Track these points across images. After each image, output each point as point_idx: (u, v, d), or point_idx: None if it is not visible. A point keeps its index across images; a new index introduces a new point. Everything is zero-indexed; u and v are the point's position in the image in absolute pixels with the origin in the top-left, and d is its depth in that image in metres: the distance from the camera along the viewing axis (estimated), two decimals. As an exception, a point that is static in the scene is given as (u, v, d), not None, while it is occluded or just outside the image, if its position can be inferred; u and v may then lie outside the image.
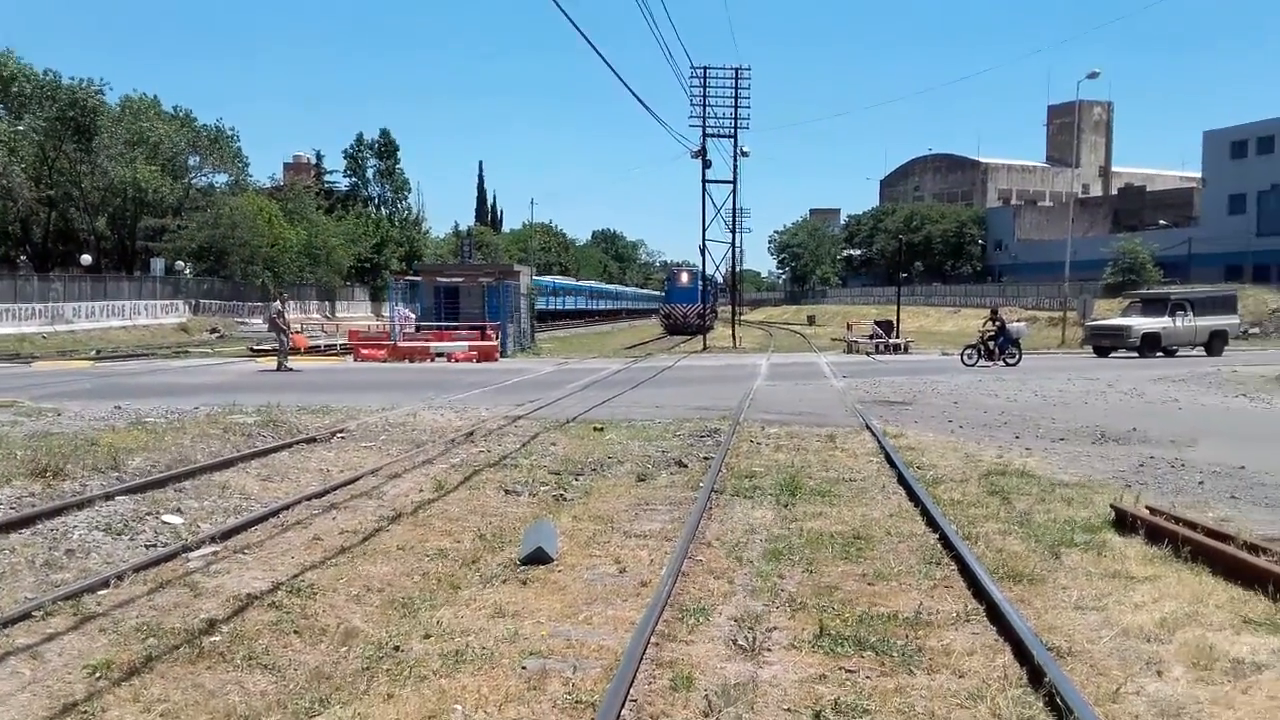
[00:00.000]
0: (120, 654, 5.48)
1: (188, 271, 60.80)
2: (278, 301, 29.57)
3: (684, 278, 67.61)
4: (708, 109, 46.50)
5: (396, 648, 5.70)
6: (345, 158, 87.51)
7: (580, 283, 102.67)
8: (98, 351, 37.18)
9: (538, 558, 7.46)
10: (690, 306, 61.76)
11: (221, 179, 68.22)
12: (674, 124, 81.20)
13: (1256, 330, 47.59)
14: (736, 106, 47.20)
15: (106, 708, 4.84)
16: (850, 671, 5.32)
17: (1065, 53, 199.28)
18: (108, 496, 9.16)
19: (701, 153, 46.05)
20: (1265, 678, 5.16)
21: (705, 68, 46.31)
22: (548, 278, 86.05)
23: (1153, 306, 34.22)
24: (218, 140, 64.91)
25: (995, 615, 6.02)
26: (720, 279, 69.56)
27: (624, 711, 4.73)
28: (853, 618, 6.13)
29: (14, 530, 7.96)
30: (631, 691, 4.95)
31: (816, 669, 5.35)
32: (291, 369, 26.94)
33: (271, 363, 27.98)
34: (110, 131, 54.68)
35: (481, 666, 5.39)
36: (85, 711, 4.79)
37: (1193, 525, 7.74)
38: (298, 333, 37.99)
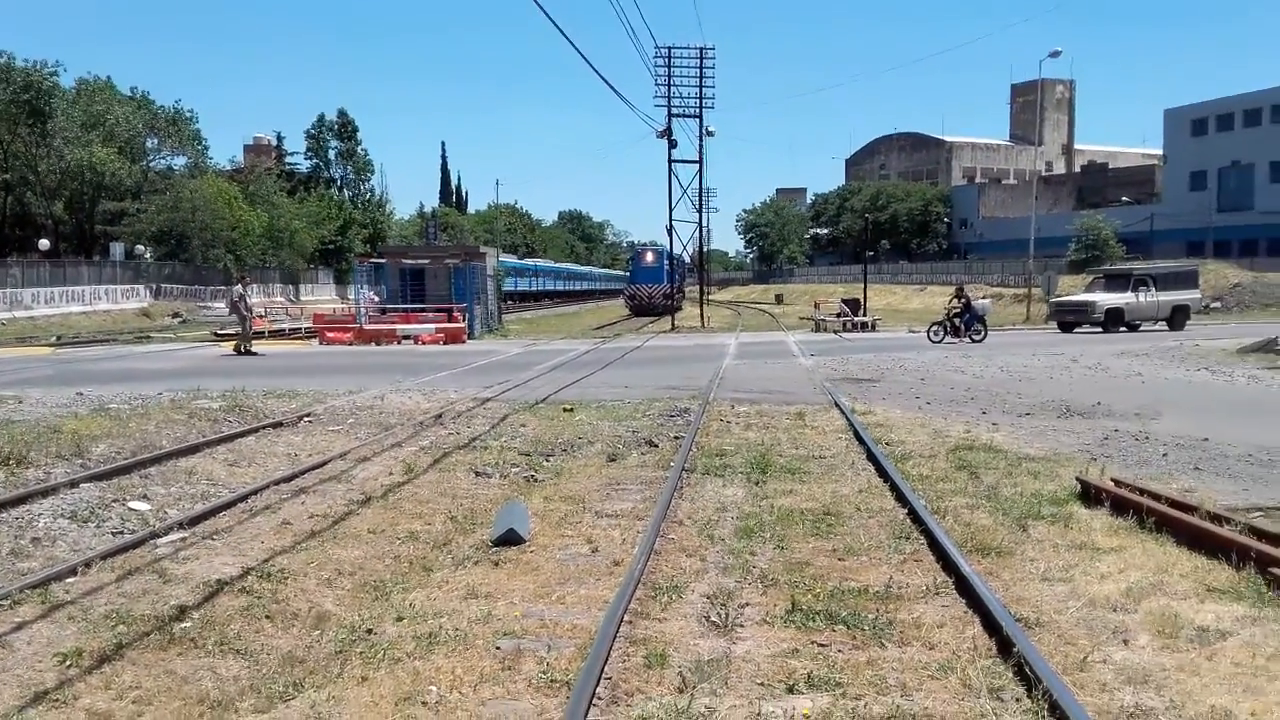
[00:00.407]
0: (90, 641, 5.43)
1: (148, 255, 59.96)
2: (239, 285, 29.24)
3: (649, 257, 64.95)
4: (673, 89, 46.32)
5: (369, 631, 5.69)
6: (306, 138, 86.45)
7: (559, 265, 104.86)
8: (58, 337, 36.63)
9: (510, 539, 7.45)
10: (656, 287, 60.11)
11: (180, 161, 67.36)
12: (640, 104, 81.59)
13: (1218, 305, 48.23)
14: (701, 86, 47.02)
15: (78, 695, 4.80)
16: (822, 645, 5.36)
17: (1028, 31, 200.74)
18: (73, 484, 9.06)
19: (667, 133, 45.91)
20: (1229, 644, 5.25)
21: (670, 48, 46.09)
22: (531, 260, 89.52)
23: (1116, 282, 34.58)
24: (175, 122, 63.99)
25: (964, 588, 6.09)
26: (688, 259, 69.26)
27: (599, 689, 4.74)
28: (824, 593, 6.18)
29: (-23, 519, 7.85)
30: (606, 669, 4.96)
31: (789, 644, 5.39)
32: (254, 353, 26.69)
33: (256, 346, 27.72)
34: (66, 114, 53.77)
35: (455, 648, 5.39)
36: (57, 699, 4.75)
37: (1157, 496, 7.86)
38: (261, 316, 37.64)
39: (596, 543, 7.49)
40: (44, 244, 54.17)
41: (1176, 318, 33.83)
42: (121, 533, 7.81)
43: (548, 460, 10.93)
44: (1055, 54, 49.05)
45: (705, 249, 69.76)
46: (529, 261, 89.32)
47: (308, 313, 46.42)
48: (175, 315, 52.08)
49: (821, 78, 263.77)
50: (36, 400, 15.03)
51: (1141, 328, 33.52)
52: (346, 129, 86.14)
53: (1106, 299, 33.32)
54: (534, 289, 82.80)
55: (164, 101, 64.27)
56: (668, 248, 57.47)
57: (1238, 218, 64.77)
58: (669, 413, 14.32)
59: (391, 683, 4.93)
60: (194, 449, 11.12)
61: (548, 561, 7.04)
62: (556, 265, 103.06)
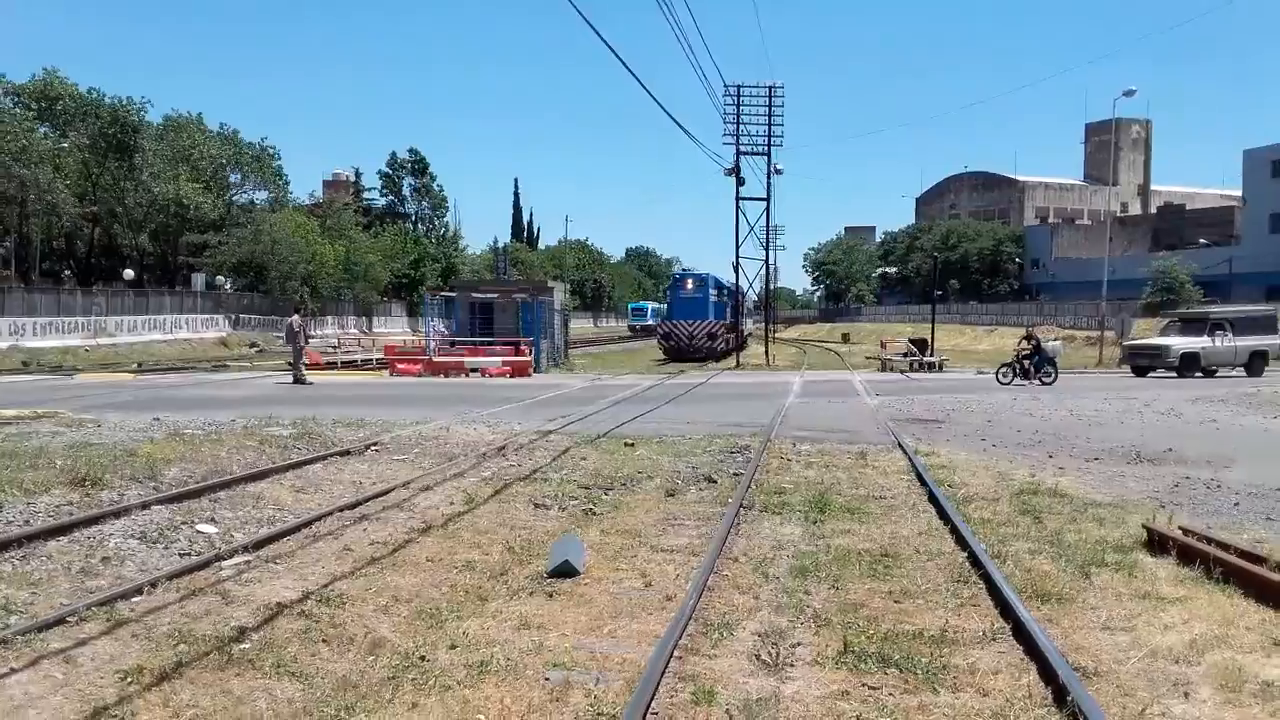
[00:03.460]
0: (151, 659, 5.57)
1: (228, 286, 61.66)
2: (296, 315, 29.84)
3: (689, 285, 52.06)
4: (741, 126, 46.57)
5: (423, 658, 5.76)
6: (380, 176, 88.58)
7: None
8: (139, 364, 37.75)
9: (565, 571, 7.50)
10: (698, 323, 49.69)
11: (262, 195, 69.26)
12: (708, 142, 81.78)
13: (1299, 351, 46.76)
14: (770, 124, 47.24)
15: (136, 712, 4.92)
16: (873, 689, 5.30)
17: (1102, 70, 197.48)
18: (144, 506, 9.31)
19: (735, 170, 46.10)
20: (1295, 700, 5.09)
21: (739, 86, 46.41)
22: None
23: (1192, 326, 33.77)
24: (260, 159, 65.89)
25: (1022, 634, 5.98)
26: (754, 295, 67.67)
27: (645, 724, 4.75)
28: (878, 635, 6.11)
29: (52, 538, 8.10)
30: (653, 704, 4.97)
31: (840, 685, 5.34)
32: (305, 381, 27.06)
33: (310, 375, 28.27)
34: (153, 149, 55.61)
35: (505, 678, 5.44)
36: (115, 715, 4.88)
37: (1225, 546, 7.65)
38: (333, 347, 38.26)
39: (650, 577, 7.50)
40: (129, 274, 55.97)
41: (1255, 363, 32.85)
42: (188, 554, 8.00)
43: (606, 494, 10.97)
44: (1130, 93, 48.19)
45: (772, 286, 68.63)
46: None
47: (380, 344, 47.24)
48: (252, 345, 53.36)
49: (892, 116, 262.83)
50: (115, 424, 15.48)
51: (1218, 373, 32.63)
52: (419, 165, 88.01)
53: (1182, 343, 32.53)
54: None
55: (250, 137, 66.34)
56: (713, 275, 52.55)
57: (1321, 261, 62.96)
58: (729, 449, 14.29)
59: (441, 710, 4.99)
60: (263, 475, 11.36)
61: (601, 594, 7.06)
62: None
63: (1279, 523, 9.41)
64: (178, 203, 56.46)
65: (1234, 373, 32.66)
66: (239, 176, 66.73)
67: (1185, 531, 8.31)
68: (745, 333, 59.96)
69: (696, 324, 49.59)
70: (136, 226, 59.00)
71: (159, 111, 61.08)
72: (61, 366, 34.77)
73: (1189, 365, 32.00)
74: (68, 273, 59.43)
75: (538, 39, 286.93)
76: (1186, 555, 7.71)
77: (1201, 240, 76.35)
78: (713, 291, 51.04)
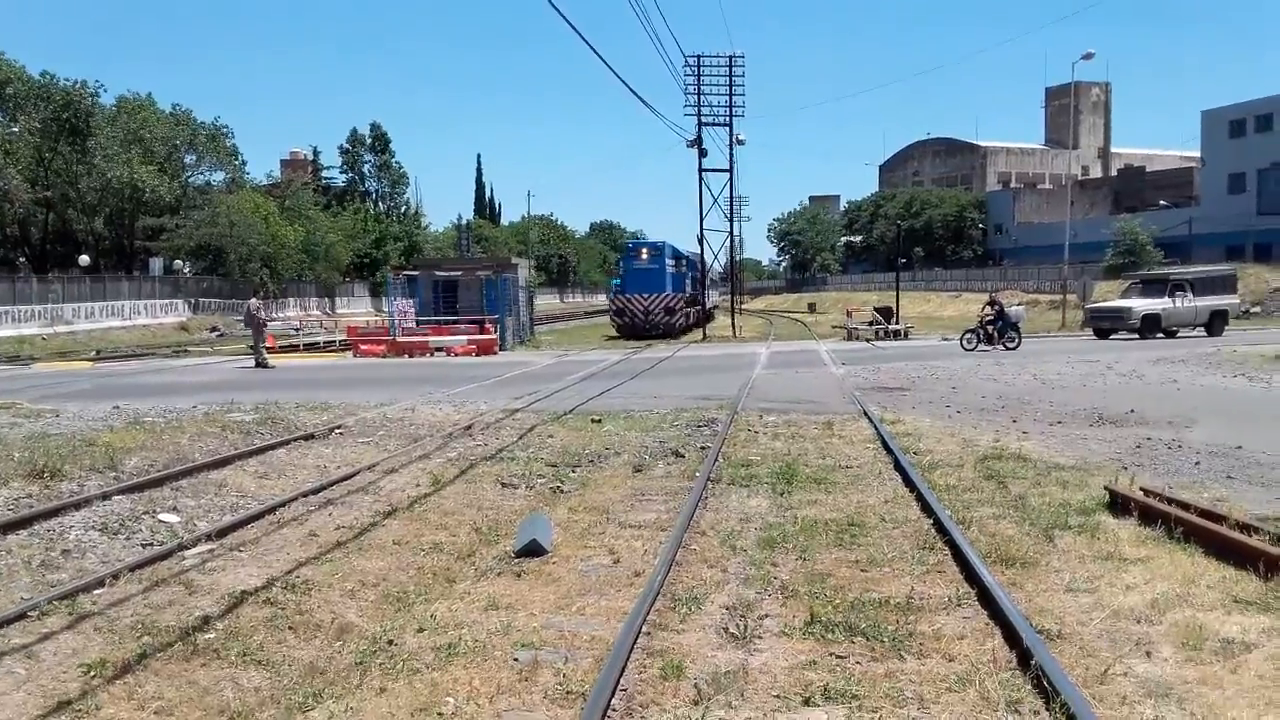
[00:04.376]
0: (115, 652, 5.51)
1: (186, 270, 60.81)
2: (254, 298, 29.56)
3: (643, 255, 46.76)
4: (702, 97, 46.42)
5: (390, 642, 5.73)
6: (341, 153, 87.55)
7: None
8: (97, 352, 37.18)
9: (532, 550, 7.48)
10: (654, 297, 44.68)
11: (218, 177, 68.22)
12: (669, 113, 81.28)
13: (1257, 309, 47.55)
14: (731, 95, 47.11)
15: (101, 705, 4.87)
16: (840, 657, 5.33)
17: (1062, 32, 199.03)
18: (105, 496, 9.19)
19: (697, 141, 45.97)
20: (1254, 657, 5.17)
21: (699, 57, 46.21)
22: None
23: (1153, 288, 34.18)
24: (214, 138, 64.84)
25: (986, 599, 6.04)
26: (720, 267, 67.18)
27: (614, 701, 4.75)
28: (844, 604, 6.14)
29: (11, 531, 7.98)
30: (622, 681, 4.97)
31: (807, 655, 5.37)
32: (267, 365, 26.77)
33: (272, 359, 27.98)
34: (105, 132, 54.63)
35: (474, 659, 5.42)
36: (80, 710, 4.82)
37: (1186, 506, 7.76)
38: (294, 331, 37.85)
39: (619, 554, 7.49)
40: (84, 260, 54.99)
41: (1215, 323, 33.35)
42: (150, 544, 7.91)
43: (574, 471, 10.95)
44: (1088, 56, 48.60)
45: (738, 258, 68.46)
46: None
47: (343, 325, 46.83)
48: (213, 329, 52.71)
49: (853, 83, 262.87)
50: (73, 414, 15.26)
51: (1179, 333, 33.09)
52: (380, 142, 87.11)
53: (1143, 304, 32.93)
54: None
55: (203, 118, 65.25)
56: (671, 244, 49.06)
57: (1278, 220, 63.69)
58: (697, 423, 14.31)
59: (409, 694, 4.97)
60: (225, 461, 11.24)
61: (569, 573, 7.05)
62: None
63: (1239, 481, 9.57)
64: (132, 186, 55.41)
65: (1195, 333, 33.14)
66: (193, 158, 65.60)
67: (1147, 492, 8.41)
68: (711, 305, 59.53)
69: (652, 298, 44.67)
70: (91, 211, 58.00)
71: (110, 94, 59.46)
72: (18, 356, 34.17)
73: (1150, 327, 32.43)
74: (22, 260, 58.36)
75: (496, 13, 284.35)
76: (1148, 516, 7.81)
77: (1161, 202, 77.01)
78: (670, 261, 47.19)
